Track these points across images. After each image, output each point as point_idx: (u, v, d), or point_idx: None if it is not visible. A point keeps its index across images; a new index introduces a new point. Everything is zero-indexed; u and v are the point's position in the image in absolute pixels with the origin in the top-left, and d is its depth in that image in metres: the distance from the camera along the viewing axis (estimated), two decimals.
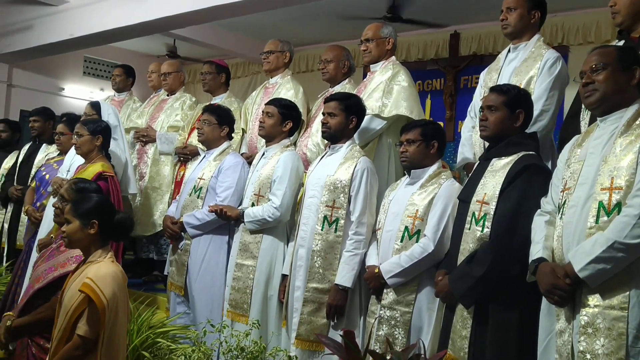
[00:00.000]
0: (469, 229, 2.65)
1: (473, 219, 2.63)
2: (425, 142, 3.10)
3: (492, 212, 2.57)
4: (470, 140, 3.40)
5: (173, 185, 5.03)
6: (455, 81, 7.46)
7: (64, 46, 7.38)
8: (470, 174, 2.95)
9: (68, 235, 2.68)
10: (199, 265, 3.85)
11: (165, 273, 4.85)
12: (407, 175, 3.19)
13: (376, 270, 3.03)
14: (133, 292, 4.22)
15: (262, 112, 3.86)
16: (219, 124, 4.02)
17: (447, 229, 2.92)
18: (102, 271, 2.56)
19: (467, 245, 2.65)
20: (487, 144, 2.99)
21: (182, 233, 3.93)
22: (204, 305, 3.81)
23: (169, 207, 4.91)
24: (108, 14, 6.40)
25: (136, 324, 3.45)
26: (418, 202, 3.01)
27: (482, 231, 2.59)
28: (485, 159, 2.79)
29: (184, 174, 4.88)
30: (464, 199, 2.77)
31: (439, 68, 7.49)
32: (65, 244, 2.80)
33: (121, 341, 2.62)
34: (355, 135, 3.56)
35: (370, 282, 3.08)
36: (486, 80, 3.46)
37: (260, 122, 3.82)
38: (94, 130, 3.89)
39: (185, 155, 4.92)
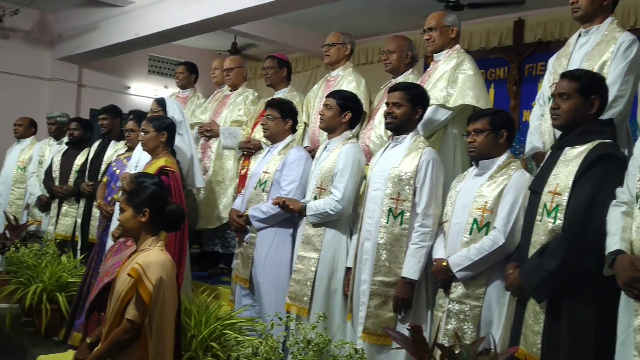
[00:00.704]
0: (541, 221, 2.57)
1: (545, 211, 2.54)
2: (494, 132, 3.01)
3: (565, 203, 2.48)
4: (539, 129, 3.29)
5: (237, 179, 5.10)
6: (519, 69, 7.26)
7: (129, 46, 7.62)
8: (541, 164, 2.85)
9: (122, 223, 2.79)
10: (264, 258, 3.88)
11: (232, 266, 4.95)
12: (474, 166, 3.11)
13: (444, 264, 2.98)
14: (199, 285, 4.31)
15: (323, 105, 3.85)
16: (282, 117, 4.03)
17: (517, 221, 2.84)
18: (151, 258, 2.63)
19: (539, 237, 2.56)
20: (557, 132, 2.89)
21: (248, 226, 3.98)
22: (269, 298, 3.84)
23: (233, 200, 5.00)
24: (171, 13, 6.55)
25: (204, 315, 3.51)
26: (487, 193, 2.93)
27: (554, 223, 2.50)
28: (558, 147, 2.69)
29: (247, 168, 4.94)
30: (535, 189, 2.68)
31: (502, 56, 7.31)
32: (120, 232, 2.89)
33: (168, 328, 2.66)
34: (419, 127, 3.51)
35: (438, 276, 3.02)
36: (555, 66, 3.33)
37: (320, 114, 3.82)
38: (159, 127, 3.97)
39: (248, 150, 4.97)
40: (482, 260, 2.88)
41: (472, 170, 3.12)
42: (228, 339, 3.33)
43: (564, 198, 2.48)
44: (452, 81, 3.67)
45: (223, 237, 5.20)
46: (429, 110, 3.53)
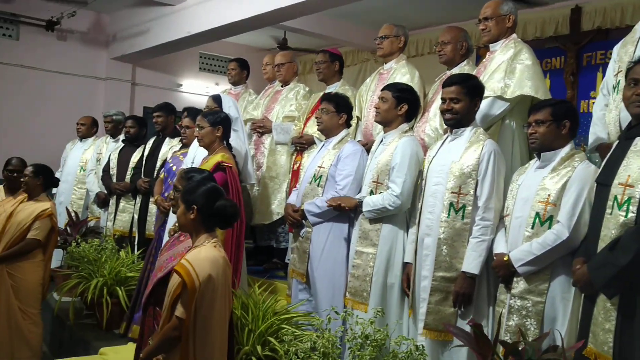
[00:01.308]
0: (611, 214, 2.47)
1: (615, 203, 2.44)
2: (556, 123, 2.92)
3: (638, 196, 2.37)
4: (604, 120, 3.15)
5: (290, 175, 5.11)
6: (577, 59, 7.02)
7: (181, 44, 7.73)
8: (608, 155, 2.73)
9: (177, 219, 2.81)
10: (320, 253, 3.87)
11: (286, 260, 4.96)
12: (536, 159, 3.02)
13: (505, 258, 2.91)
14: (255, 279, 4.34)
15: (378, 98, 3.80)
16: (337, 111, 4.01)
17: (582, 215, 2.74)
18: (201, 255, 2.61)
19: (609, 231, 2.46)
20: (623, 122, 2.77)
21: (303, 221, 3.97)
22: (325, 293, 3.83)
23: (286, 195, 5.01)
24: (222, 10, 6.60)
25: (261, 310, 3.53)
26: (550, 186, 2.84)
27: (625, 216, 2.40)
28: (627, 138, 2.57)
29: (300, 163, 4.94)
30: (603, 182, 2.58)
31: (558, 45, 7.07)
32: (178, 227, 2.91)
33: (217, 326, 2.62)
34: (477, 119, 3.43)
35: (499, 270, 2.95)
36: (621, 54, 3.17)
37: (376, 107, 3.77)
38: (214, 122, 4.00)
39: (301, 145, 4.97)
40: (544, 255, 2.80)
41: (534, 162, 3.03)
42: (285, 334, 3.33)
43: (637, 190, 2.38)
44: (509, 72, 3.58)
45: (276, 232, 5.23)
46: (486, 102, 3.45)
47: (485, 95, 3.42)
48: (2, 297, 4.27)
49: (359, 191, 3.78)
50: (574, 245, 2.77)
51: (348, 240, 3.84)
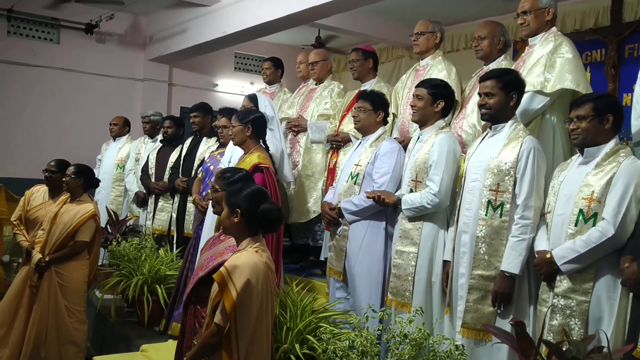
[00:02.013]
0: None
1: None
2: (599, 117, 2.84)
3: None
4: None
5: (326, 173, 5.11)
6: (618, 51, 6.84)
7: (216, 44, 7.81)
8: None
9: (221, 222, 2.79)
10: (357, 251, 3.86)
11: (322, 258, 4.97)
12: (578, 154, 2.95)
13: (548, 256, 2.85)
14: (294, 278, 4.35)
15: (413, 95, 3.77)
16: (374, 109, 3.99)
17: (629, 212, 2.67)
18: (240, 260, 2.57)
19: None
20: None
21: (340, 219, 3.97)
22: (363, 291, 3.83)
23: (322, 194, 5.02)
24: (257, 10, 6.64)
25: (299, 308, 3.54)
26: (594, 183, 2.77)
27: None
28: None
29: (336, 161, 4.94)
30: None
31: (599, 38, 6.90)
32: (222, 230, 2.91)
33: (260, 331, 2.59)
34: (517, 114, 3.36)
35: (541, 268, 2.89)
36: None
37: (412, 106, 3.73)
38: (243, 120, 4.03)
39: (337, 143, 4.96)
40: (589, 253, 2.73)
41: (577, 158, 2.96)
42: (323, 332, 3.33)
43: None
44: (549, 66, 3.50)
45: (313, 231, 5.23)
46: (525, 97, 3.38)
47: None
48: (51, 296, 4.38)
49: (397, 189, 3.76)
50: (620, 243, 2.70)
51: (385, 238, 3.82)
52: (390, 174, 3.78)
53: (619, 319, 2.68)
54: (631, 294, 2.59)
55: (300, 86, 5.87)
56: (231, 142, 4.48)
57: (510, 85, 3.19)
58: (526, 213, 3.02)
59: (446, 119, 3.78)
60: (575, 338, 2.67)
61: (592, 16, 6.99)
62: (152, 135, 6.69)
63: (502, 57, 4.11)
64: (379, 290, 3.78)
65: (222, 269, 2.57)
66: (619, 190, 2.69)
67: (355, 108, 4.08)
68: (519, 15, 3.78)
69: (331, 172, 4.96)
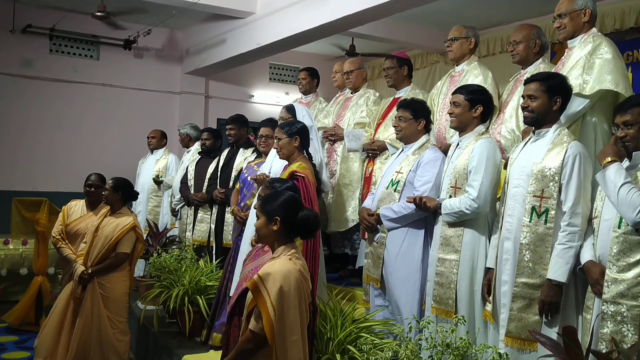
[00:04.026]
0: None
1: None
2: None
3: None
4: None
5: (362, 181, 5.10)
6: None
7: (251, 55, 7.90)
8: None
9: (257, 230, 2.80)
10: (394, 259, 3.84)
11: (357, 267, 4.94)
12: (625, 159, 2.86)
13: None
14: (333, 287, 4.34)
15: (450, 103, 3.73)
16: (415, 118, 3.94)
17: None
18: (274, 268, 2.59)
19: None
20: None
21: (378, 225, 3.95)
22: (400, 298, 3.79)
23: (359, 202, 5.00)
24: (291, 20, 6.69)
25: (339, 318, 3.53)
26: None
27: None
28: None
29: (372, 169, 4.92)
30: None
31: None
32: (257, 239, 2.92)
33: (294, 339, 2.59)
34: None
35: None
36: None
37: (450, 113, 3.69)
38: (291, 132, 4.04)
39: (373, 151, 4.94)
40: None
41: (624, 162, 2.87)
42: (364, 342, 3.31)
43: None
44: (587, 67, 3.43)
45: (351, 239, 5.22)
46: None
47: None
48: (94, 307, 4.46)
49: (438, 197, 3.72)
50: None
51: (424, 245, 3.78)
52: (433, 183, 3.74)
53: None
54: None
55: (337, 95, 5.88)
56: (272, 152, 4.52)
57: (554, 89, 3.14)
58: (573, 220, 2.95)
59: (486, 124, 3.73)
60: (629, 345, 2.59)
61: (632, 15, 6.84)
62: (186, 147, 6.87)
63: (540, 60, 4.05)
64: (417, 298, 3.74)
65: (255, 276, 2.60)
66: None
67: (395, 117, 4.05)
68: (556, 18, 3.73)
69: (367, 181, 4.95)
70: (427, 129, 4.01)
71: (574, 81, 3.42)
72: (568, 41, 3.73)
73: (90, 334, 4.43)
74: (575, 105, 3.41)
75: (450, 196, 3.53)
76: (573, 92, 3.35)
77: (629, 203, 2.61)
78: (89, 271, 4.49)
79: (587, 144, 3.39)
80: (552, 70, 3.64)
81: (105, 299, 4.48)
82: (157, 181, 6.76)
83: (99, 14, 7.45)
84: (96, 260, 4.51)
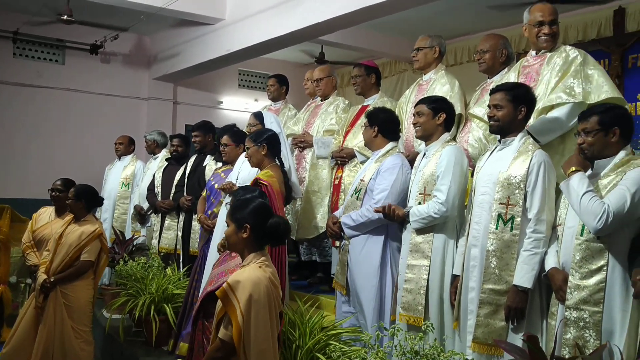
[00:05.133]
0: None
1: None
2: (604, 131, 2.82)
3: None
4: None
5: (331, 188, 5.11)
6: (621, 61, 6.86)
7: (221, 62, 7.85)
8: None
9: (227, 238, 2.78)
10: (355, 265, 3.86)
11: (332, 274, 4.95)
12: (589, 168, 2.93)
13: None
14: (302, 295, 4.33)
15: (414, 114, 3.77)
16: (370, 126, 3.99)
17: (635, 211, 2.65)
18: (244, 276, 2.58)
19: None
20: None
21: (342, 233, 3.97)
22: (362, 304, 3.81)
23: (328, 210, 5.01)
24: (261, 27, 6.68)
25: (308, 326, 3.52)
26: (604, 194, 2.75)
27: None
28: None
29: (341, 177, 4.94)
30: None
31: (602, 49, 6.93)
32: (224, 244, 2.90)
33: (266, 345, 2.58)
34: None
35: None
36: None
37: (414, 123, 3.74)
38: (257, 140, 4.04)
39: (342, 158, 4.96)
40: None
41: (588, 171, 2.94)
42: (333, 350, 3.30)
43: None
44: (584, 77, 3.43)
45: (320, 247, 5.22)
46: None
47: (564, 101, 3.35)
48: (57, 316, 4.36)
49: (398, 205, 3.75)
50: None
51: (383, 252, 3.81)
52: (388, 191, 3.75)
53: (631, 331, 2.64)
54: None
55: (308, 103, 5.89)
56: (239, 159, 4.51)
57: (519, 98, 3.19)
58: (538, 227, 3.01)
59: (451, 132, 3.78)
60: (591, 350, 2.64)
61: (594, 27, 7.02)
62: (152, 154, 6.82)
63: (506, 69, 4.11)
64: (375, 305, 3.76)
65: (224, 284, 2.59)
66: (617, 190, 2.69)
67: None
68: (546, 25, 3.65)
69: (336, 188, 4.96)
70: (391, 137, 4.02)
71: (569, 90, 3.40)
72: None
73: (53, 344, 4.33)
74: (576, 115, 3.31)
75: (419, 203, 3.56)
76: (574, 101, 3.35)
77: (590, 211, 2.67)
78: (51, 279, 4.40)
79: (553, 152, 3.43)
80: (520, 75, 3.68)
81: (68, 308, 4.38)
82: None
83: (64, 17, 7.32)
84: (59, 268, 4.41)
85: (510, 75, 3.78)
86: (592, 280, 2.73)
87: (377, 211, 3.68)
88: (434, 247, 3.50)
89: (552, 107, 3.42)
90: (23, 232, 5.22)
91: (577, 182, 2.77)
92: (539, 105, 3.44)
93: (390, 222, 3.73)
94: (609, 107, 2.95)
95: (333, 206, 4.95)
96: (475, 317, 3.14)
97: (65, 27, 7.71)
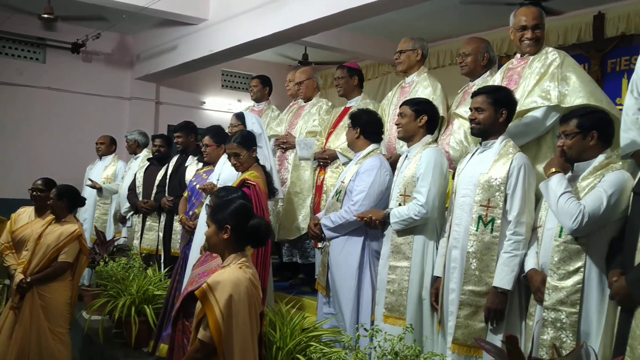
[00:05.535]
0: None
1: None
2: (583, 134, 2.86)
3: None
4: (637, 124, 3.02)
5: (314, 190, 5.11)
6: (601, 65, 6.96)
7: (204, 62, 7.82)
8: None
9: (207, 239, 2.77)
10: (335, 266, 3.88)
11: (316, 275, 4.96)
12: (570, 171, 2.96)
13: None
14: (283, 296, 4.33)
15: (397, 115, 3.78)
16: (353, 127, 4.00)
17: (606, 215, 2.68)
18: (224, 277, 2.57)
19: None
20: None
21: (322, 235, 3.98)
22: (341, 305, 3.82)
23: (310, 211, 5.01)
24: (244, 28, 6.67)
25: (289, 327, 3.51)
26: (582, 196, 2.78)
27: None
28: None
29: (323, 178, 4.94)
30: None
31: (582, 53, 7.01)
32: (206, 247, 2.89)
33: (245, 346, 2.58)
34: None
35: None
36: None
37: (396, 124, 3.75)
38: (248, 146, 4.02)
39: (324, 160, 4.96)
40: None
41: (568, 174, 2.97)
42: (314, 351, 3.31)
43: None
44: (561, 80, 3.40)
45: (302, 248, 5.21)
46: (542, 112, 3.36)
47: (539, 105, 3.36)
48: (33, 317, 4.31)
49: (373, 207, 3.76)
50: None
51: (362, 253, 3.82)
52: (366, 192, 3.77)
53: (607, 332, 2.67)
54: (619, 308, 2.58)
55: (291, 104, 5.89)
56: (220, 160, 4.49)
57: (500, 101, 3.21)
58: (518, 229, 3.03)
59: (433, 135, 3.80)
60: (568, 351, 2.67)
61: (575, 32, 7.11)
62: (133, 154, 6.77)
63: (488, 73, 4.14)
64: (353, 306, 3.77)
65: (204, 285, 2.58)
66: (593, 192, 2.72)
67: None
68: (530, 29, 3.61)
69: (319, 189, 4.97)
70: (373, 139, 4.02)
71: (545, 93, 3.39)
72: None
73: (29, 344, 4.27)
74: (550, 118, 3.38)
75: (400, 204, 3.58)
76: (549, 105, 3.34)
77: (566, 212, 2.70)
78: (28, 280, 4.34)
79: (530, 154, 3.44)
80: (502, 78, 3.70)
81: (45, 309, 4.32)
82: (96, 187, 6.61)
83: (45, 15, 7.25)
84: (36, 269, 4.36)
85: (496, 78, 3.80)
86: (570, 282, 2.76)
87: (358, 219, 3.69)
88: (414, 249, 3.51)
89: (528, 111, 3.44)
90: (1, 232, 5.15)
91: (556, 184, 2.81)
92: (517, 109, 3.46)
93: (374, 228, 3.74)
94: (589, 111, 2.99)
95: (315, 207, 4.95)
96: (455, 318, 3.15)
97: (47, 25, 7.64)
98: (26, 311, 4.32)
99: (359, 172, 3.86)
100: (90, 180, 6.69)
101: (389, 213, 3.58)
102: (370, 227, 3.67)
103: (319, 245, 4.12)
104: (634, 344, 2.39)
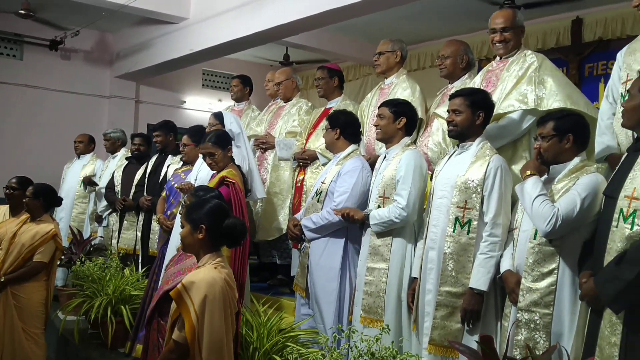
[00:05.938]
0: (617, 227, 2.42)
1: (621, 216, 2.40)
2: (559, 137, 2.89)
3: None
4: (612, 129, 3.09)
5: (293, 190, 5.10)
6: (578, 69, 7.04)
7: (184, 61, 7.77)
8: (616, 167, 2.69)
9: (182, 239, 2.75)
10: (315, 268, 3.87)
11: (292, 275, 4.95)
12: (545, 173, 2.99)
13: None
14: (260, 297, 4.31)
15: (376, 116, 3.79)
16: (332, 128, 4.00)
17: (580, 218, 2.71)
18: (199, 277, 2.56)
19: (615, 244, 2.42)
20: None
21: (302, 236, 3.97)
22: (321, 307, 3.82)
23: (289, 211, 5.00)
24: (225, 27, 6.64)
25: (266, 328, 3.51)
26: (557, 198, 2.81)
27: (631, 229, 2.36)
28: (635, 150, 2.54)
29: (303, 179, 4.94)
30: (611, 194, 2.54)
31: (560, 57, 7.09)
32: (182, 248, 2.88)
33: (220, 346, 2.56)
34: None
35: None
36: (629, 61, 3.03)
37: (375, 125, 3.76)
38: (224, 145, 4.01)
39: (304, 160, 4.96)
40: None
41: (544, 176, 3.00)
42: (290, 352, 3.30)
43: None
44: (538, 83, 3.43)
45: (281, 248, 5.20)
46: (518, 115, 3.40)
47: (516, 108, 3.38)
48: (7, 318, 4.25)
49: (357, 207, 3.75)
50: None
51: (344, 255, 3.83)
52: (349, 193, 3.77)
53: (579, 333, 2.71)
54: (590, 309, 2.62)
55: (270, 104, 5.88)
56: (199, 160, 4.47)
57: (478, 104, 3.23)
58: (494, 231, 3.05)
59: (411, 137, 3.81)
60: (540, 352, 2.69)
61: (553, 36, 7.18)
62: (113, 152, 6.68)
63: (467, 75, 4.17)
64: (335, 307, 3.77)
65: (179, 285, 2.56)
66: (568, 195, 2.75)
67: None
68: (496, 31, 3.65)
69: (298, 190, 4.96)
70: (352, 140, 4.03)
71: (522, 97, 3.41)
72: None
73: (2, 345, 4.22)
74: (526, 121, 3.42)
75: (379, 206, 3.59)
76: (525, 108, 3.37)
77: (540, 214, 2.73)
78: (2, 279, 4.27)
79: (507, 156, 3.47)
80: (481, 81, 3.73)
81: (19, 309, 4.26)
82: (90, 182, 6.52)
83: (22, 11, 7.15)
84: (10, 268, 4.29)
85: (476, 80, 3.83)
86: (543, 283, 2.79)
87: (337, 214, 3.69)
88: (392, 251, 3.52)
89: (505, 114, 3.47)
90: None
91: (531, 186, 2.83)
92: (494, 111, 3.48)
93: (351, 224, 3.74)
94: (566, 114, 3.03)
95: (295, 208, 4.95)
96: (431, 319, 3.17)
97: (24, 21, 7.54)
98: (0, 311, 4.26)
99: (341, 173, 3.86)
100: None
101: (368, 214, 3.59)
102: (349, 222, 3.67)
103: (301, 247, 4.09)
104: (603, 344, 2.42)
